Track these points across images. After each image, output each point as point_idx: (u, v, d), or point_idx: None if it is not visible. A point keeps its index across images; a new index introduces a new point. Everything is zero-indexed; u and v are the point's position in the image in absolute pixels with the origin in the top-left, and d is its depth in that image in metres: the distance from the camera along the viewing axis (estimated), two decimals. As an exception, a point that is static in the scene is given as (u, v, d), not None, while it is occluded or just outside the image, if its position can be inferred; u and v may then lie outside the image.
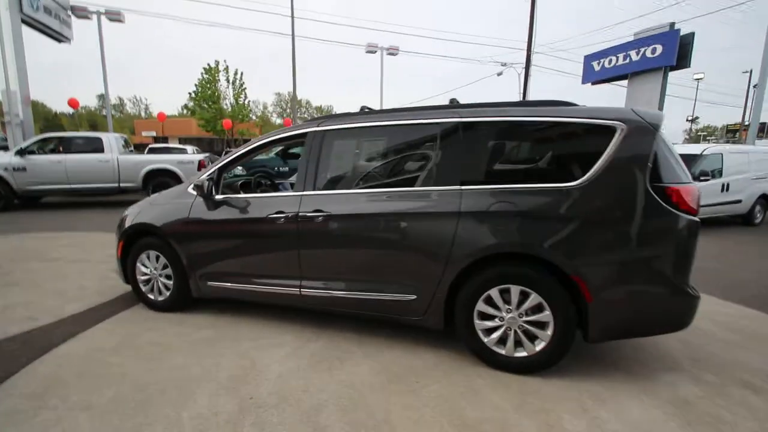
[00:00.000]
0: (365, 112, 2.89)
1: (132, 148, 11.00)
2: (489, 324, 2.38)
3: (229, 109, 29.42)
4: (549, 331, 2.25)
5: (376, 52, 19.08)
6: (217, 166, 3.08)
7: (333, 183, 2.79)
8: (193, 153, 13.06)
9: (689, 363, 2.58)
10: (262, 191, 3.53)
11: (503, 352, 2.36)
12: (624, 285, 2.13)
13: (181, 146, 15.17)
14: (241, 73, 29.84)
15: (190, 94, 29.25)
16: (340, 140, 2.82)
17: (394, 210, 2.49)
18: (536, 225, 2.20)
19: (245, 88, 30.17)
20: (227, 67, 29.34)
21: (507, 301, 2.32)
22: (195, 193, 3.09)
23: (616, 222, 2.11)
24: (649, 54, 15.98)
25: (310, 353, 2.61)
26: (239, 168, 10.62)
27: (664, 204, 2.08)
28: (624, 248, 2.11)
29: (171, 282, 3.21)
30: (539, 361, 2.30)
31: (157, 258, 3.23)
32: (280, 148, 10.86)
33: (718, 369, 2.52)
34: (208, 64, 28.88)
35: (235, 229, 2.92)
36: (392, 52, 19.27)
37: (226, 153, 14.31)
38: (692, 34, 14.70)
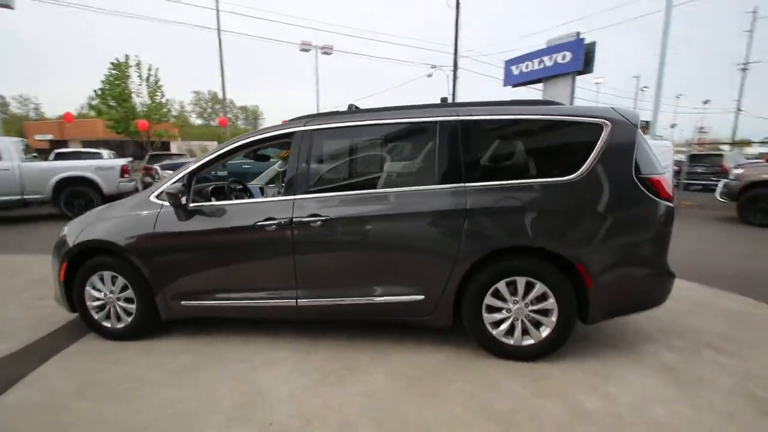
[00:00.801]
0: (354, 110, 2.78)
1: (35, 154, 9.45)
2: (497, 316, 2.43)
3: (143, 109, 26.64)
4: (553, 318, 2.36)
5: (310, 50, 18.63)
6: (187, 171, 2.75)
7: (328, 185, 2.65)
8: (110, 157, 11.63)
9: (659, 333, 2.90)
10: (235, 197, 3.23)
11: (512, 342, 2.44)
12: (618, 268, 2.32)
13: (94, 150, 13.35)
14: (156, 69, 27.16)
15: (95, 91, 25.91)
16: (333, 140, 2.68)
17: (398, 211, 2.43)
18: (540, 218, 2.30)
19: (161, 86, 27.52)
20: (139, 62, 26.50)
21: (513, 293, 2.40)
22: (161, 202, 2.72)
23: (609, 211, 2.28)
24: (560, 60, 17.68)
25: (314, 367, 2.45)
26: (170, 173, 9.72)
27: (648, 193, 2.29)
28: (617, 235, 2.29)
29: (133, 305, 2.80)
30: (546, 346, 2.41)
31: (114, 279, 2.80)
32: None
33: (682, 335, 2.86)
34: (117, 59, 25.81)
35: (215, 241, 2.63)
36: (327, 51, 18.97)
37: (153, 157, 12.98)
38: (594, 43, 16.62)
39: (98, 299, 2.84)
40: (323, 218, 2.46)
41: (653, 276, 2.38)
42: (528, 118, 2.44)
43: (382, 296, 2.49)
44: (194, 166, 2.76)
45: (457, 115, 2.48)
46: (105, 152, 12.73)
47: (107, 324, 2.87)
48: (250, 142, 2.76)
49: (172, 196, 2.55)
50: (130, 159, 9.68)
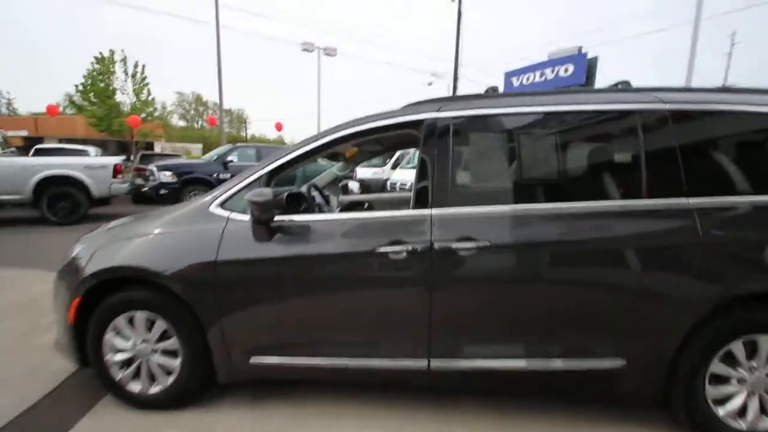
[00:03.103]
0: (493, 93, 2.04)
1: (13, 149, 8.31)
2: (726, 390, 1.70)
3: (128, 107, 25.26)
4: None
5: (312, 51, 17.83)
6: (266, 170, 1.94)
7: (481, 196, 1.87)
8: (97, 155, 10.50)
9: None
10: (306, 210, 2.41)
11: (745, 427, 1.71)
12: None
13: (79, 147, 12.10)
14: (143, 66, 25.87)
15: (76, 86, 24.43)
16: (481, 133, 1.93)
17: (590, 235, 1.69)
18: None
19: (148, 83, 26.21)
20: (125, 57, 25.18)
21: (750, 356, 1.68)
22: (227, 214, 1.90)
23: None
24: (562, 73, 17.59)
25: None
26: (167, 174, 8.67)
27: None
28: None
29: (176, 361, 1.95)
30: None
31: (149, 324, 1.95)
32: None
33: None
34: (101, 53, 24.46)
35: (309, 273, 1.82)
36: (329, 52, 18.21)
37: (145, 157, 11.86)
38: (596, 58, 16.69)
39: (123, 351, 1.98)
40: (481, 244, 1.68)
41: None
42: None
43: (562, 360, 1.73)
44: (276, 163, 1.95)
45: (664, 104, 1.76)
46: (92, 149, 11.53)
47: (135, 387, 2.00)
48: (353, 133, 1.97)
49: (263, 207, 1.71)
50: (124, 157, 8.64)
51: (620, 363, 1.70)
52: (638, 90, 1.88)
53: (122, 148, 27.05)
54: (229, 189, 1.94)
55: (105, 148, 28.74)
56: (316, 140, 1.97)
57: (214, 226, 1.89)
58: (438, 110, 1.88)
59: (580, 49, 17.26)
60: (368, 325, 1.83)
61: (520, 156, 1.87)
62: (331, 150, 2.04)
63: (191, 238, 1.90)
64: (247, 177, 1.94)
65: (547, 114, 1.84)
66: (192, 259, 1.85)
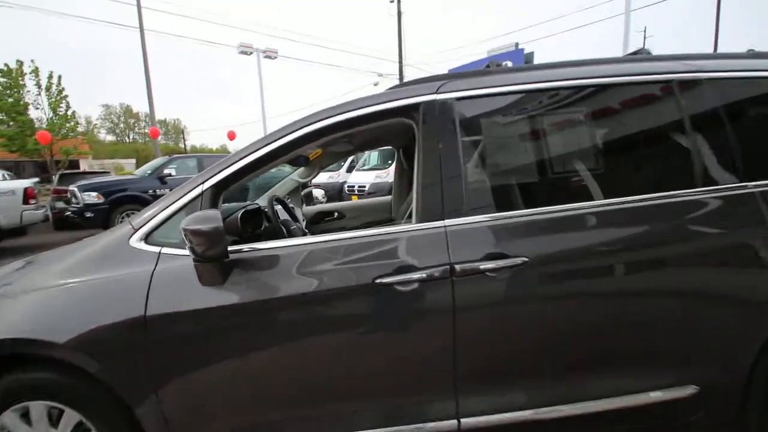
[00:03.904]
0: (503, 68, 1.64)
1: None
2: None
3: (44, 124, 22.53)
4: None
5: (251, 53, 16.76)
6: (209, 182, 1.39)
7: (508, 198, 1.45)
8: (3, 178, 8.99)
9: None
10: (270, 232, 1.87)
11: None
12: None
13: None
14: (59, 77, 23.18)
15: (-22, 104, 21.37)
16: (498, 116, 1.50)
17: (656, 238, 1.33)
18: None
19: (66, 96, 23.54)
20: (36, 68, 22.39)
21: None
22: (156, 249, 1.34)
23: None
24: (501, 68, 18.38)
25: None
26: (92, 194, 7.54)
27: None
28: None
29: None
30: None
31: (56, 415, 1.35)
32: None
33: None
34: (6, 65, 21.55)
35: (286, 322, 1.31)
36: (269, 54, 17.22)
37: (65, 176, 10.38)
38: (532, 53, 17.42)
39: (17, 463, 1.35)
40: (517, 261, 1.27)
41: None
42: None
43: (626, 397, 1.36)
44: (223, 173, 1.40)
45: (703, 72, 1.45)
46: (-2, 173, 9.87)
47: None
48: (323, 128, 1.46)
49: (210, 238, 1.18)
50: (36, 180, 7.42)
51: (693, 391, 1.36)
52: (668, 57, 1.57)
53: (42, 169, 24.11)
54: (157, 214, 1.38)
55: (21, 171, 25.57)
56: (274, 140, 1.45)
57: (139, 268, 1.32)
58: (436, 91, 1.45)
59: (516, 45, 18.06)
60: (373, 385, 1.35)
61: (547, 143, 1.48)
62: (294, 153, 1.53)
63: (105, 289, 1.32)
64: (182, 195, 1.39)
65: (567, 89, 1.46)
66: (108, 317, 1.27)
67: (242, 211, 1.69)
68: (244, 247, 1.36)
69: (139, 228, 1.37)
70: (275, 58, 17.79)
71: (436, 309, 1.29)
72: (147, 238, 1.36)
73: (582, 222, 1.34)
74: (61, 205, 8.44)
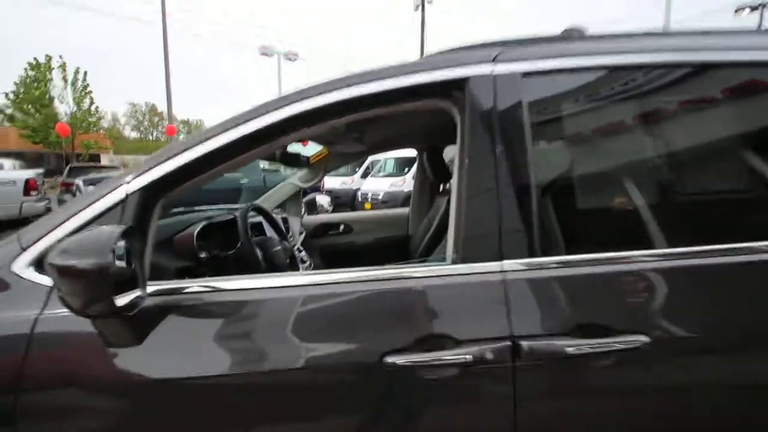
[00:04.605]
0: (574, 34, 1.13)
1: None
2: None
3: (68, 117, 22.94)
4: None
5: (272, 55, 16.60)
6: (135, 182, 0.91)
7: (605, 229, 0.92)
8: (14, 168, 8.87)
9: None
10: (233, 259, 1.36)
11: None
12: None
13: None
14: (85, 73, 23.61)
15: (6, 94, 21.90)
16: (587, 103, 0.98)
17: None
18: None
19: (90, 92, 23.94)
20: (64, 63, 22.86)
21: None
22: (48, 284, 0.86)
23: None
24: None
25: None
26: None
27: None
28: None
29: None
30: None
31: None
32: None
33: None
34: (35, 59, 22.10)
35: (239, 411, 0.81)
36: (290, 57, 17.05)
37: (74, 170, 10.26)
38: None
39: None
40: (631, 339, 0.74)
41: None
42: None
43: None
44: (159, 168, 0.91)
45: None
46: (7, 162, 9.78)
47: None
48: (327, 105, 0.97)
49: (87, 282, 0.68)
50: (40, 171, 7.20)
51: None
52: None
53: (63, 161, 24.43)
54: (54, 228, 0.89)
55: (43, 163, 26.01)
56: (245, 121, 0.95)
57: (16, 311, 0.84)
58: (493, 60, 0.95)
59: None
60: None
61: (680, 143, 0.94)
62: (278, 143, 1.03)
63: None
64: (94, 201, 0.89)
65: (680, 67, 0.93)
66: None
67: (203, 223, 1.20)
68: (182, 283, 0.87)
69: (28, 247, 0.90)
70: (295, 60, 17.63)
71: (485, 413, 0.77)
72: (39, 264, 0.89)
73: (750, 273, 0.81)
74: (67, 197, 8.26)
